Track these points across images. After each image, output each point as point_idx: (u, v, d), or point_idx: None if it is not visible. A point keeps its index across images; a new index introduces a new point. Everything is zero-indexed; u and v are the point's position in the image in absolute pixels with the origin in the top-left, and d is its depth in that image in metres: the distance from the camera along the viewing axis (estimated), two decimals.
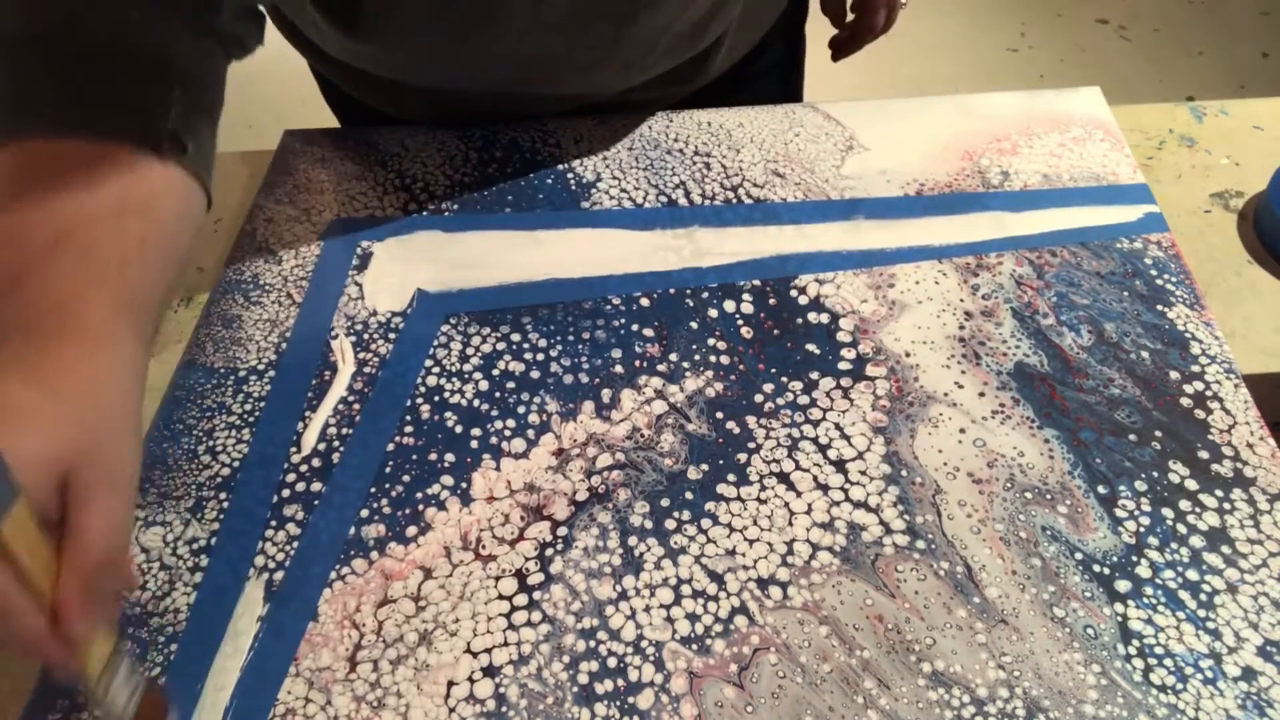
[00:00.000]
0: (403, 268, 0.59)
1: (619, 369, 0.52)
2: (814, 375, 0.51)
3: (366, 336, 0.55)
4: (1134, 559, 0.43)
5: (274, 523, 0.47)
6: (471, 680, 0.41)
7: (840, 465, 0.48)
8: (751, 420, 0.50)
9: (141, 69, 0.42)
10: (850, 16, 0.77)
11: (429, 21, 0.53)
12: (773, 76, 0.79)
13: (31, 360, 0.34)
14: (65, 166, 0.38)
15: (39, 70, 0.41)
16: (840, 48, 0.78)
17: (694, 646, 0.42)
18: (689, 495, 0.47)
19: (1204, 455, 0.47)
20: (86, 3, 0.42)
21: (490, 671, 0.42)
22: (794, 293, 0.56)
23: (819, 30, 0.80)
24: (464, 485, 0.48)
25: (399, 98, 0.67)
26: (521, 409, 0.51)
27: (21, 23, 0.41)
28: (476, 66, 0.59)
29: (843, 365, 0.52)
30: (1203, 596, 0.42)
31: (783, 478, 0.47)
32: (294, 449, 0.50)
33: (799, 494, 0.47)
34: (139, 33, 0.43)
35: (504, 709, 0.40)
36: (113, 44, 0.42)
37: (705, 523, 0.46)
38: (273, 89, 2.30)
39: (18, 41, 0.41)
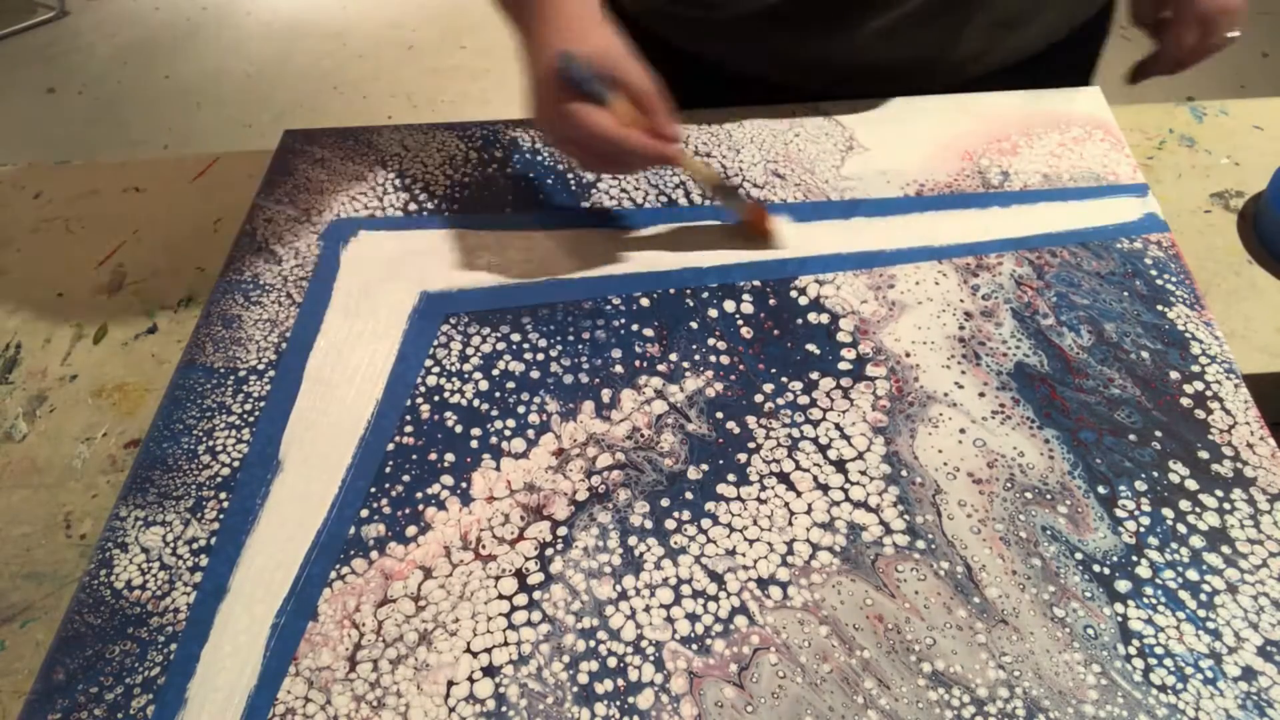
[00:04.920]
0: (403, 268, 0.59)
1: (619, 369, 0.52)
2: (814, 375, 0.51)
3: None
4: (1134, 559, 0.44)
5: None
6: (471, 680, 0.41)
7: (840, 465, 0.48)
8: (751, 420, 0.50)
9: None
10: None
11: None
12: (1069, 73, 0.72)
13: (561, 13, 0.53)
14: None
15: None
16: (1140, 69, 0.68)
17: (694, 646, 0.42)
18: (689, 495, 0.47)
19: (1204, 455, 0.47)
20: None
21: (490, 671, 0.42)
22: (794, 293, 0.56)
23: None
24: (464, 485, 0.48)
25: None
26: (521, 409, 0.51)
27: None
28: None
29: (843, 365, 0.52)
30: (1203, 596, 0.42)
31: (783, 478, 0.47)
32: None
33: (799, 494, 0.47)
34: None
35: (504, 709, 0.41)
36: None
37: (705, 523, 0.46)
38: (273, 89, 2.30)
39: None
